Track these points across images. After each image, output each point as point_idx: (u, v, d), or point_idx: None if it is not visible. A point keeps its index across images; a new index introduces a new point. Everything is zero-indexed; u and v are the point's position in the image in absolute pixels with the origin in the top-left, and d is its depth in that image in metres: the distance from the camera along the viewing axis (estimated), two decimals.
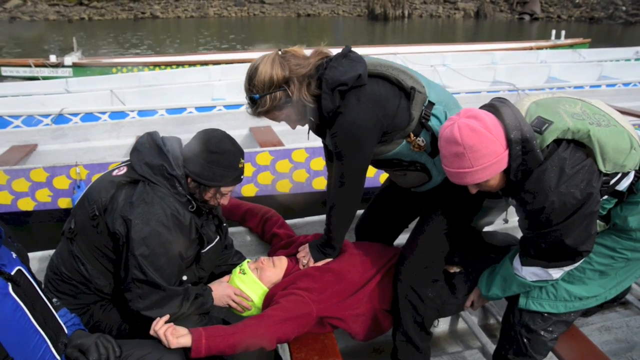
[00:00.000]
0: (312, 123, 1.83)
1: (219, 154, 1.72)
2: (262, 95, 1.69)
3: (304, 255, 1.98)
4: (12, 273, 1.27)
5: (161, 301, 1.65)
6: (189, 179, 1.73)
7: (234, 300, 1.90)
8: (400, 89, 1.73)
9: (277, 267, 1.97)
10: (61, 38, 17.60)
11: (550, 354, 1.89)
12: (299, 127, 1.89)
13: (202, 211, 1.80)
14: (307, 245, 2.01)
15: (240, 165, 1.77)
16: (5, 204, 3.42)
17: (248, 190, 3.70)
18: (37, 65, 7.74)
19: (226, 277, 1.98)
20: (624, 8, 27.52)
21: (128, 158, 1.79)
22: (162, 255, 1.64)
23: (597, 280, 1.77)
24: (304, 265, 1.96)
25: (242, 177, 1.80)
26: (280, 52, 1.72)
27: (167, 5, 31.04)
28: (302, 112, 1.76)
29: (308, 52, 1.77)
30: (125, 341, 1.57)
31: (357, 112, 1.66)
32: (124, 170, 1.75)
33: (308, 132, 1.99)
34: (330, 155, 2.06)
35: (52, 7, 29.08)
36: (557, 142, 1.54)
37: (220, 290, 1.90)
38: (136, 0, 31.03)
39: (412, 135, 1.74)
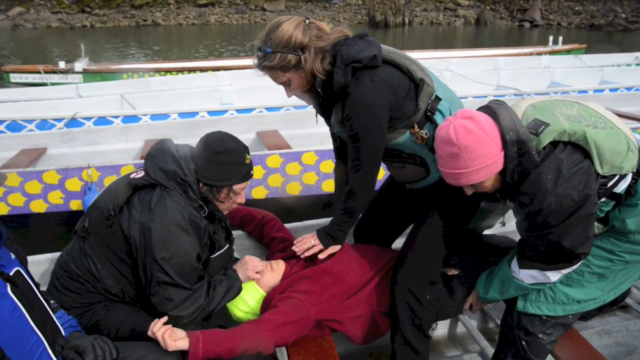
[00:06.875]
0: (316, 102, 1.82)
1: (224, 154, 1.75)
2: (274, 51, 1.68)
3: (313, 242, 1.96)
4: (11, 274, 1.28)
5: (189, 298, 1.70)
6: (200, 184, 1.77)
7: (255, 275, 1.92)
8: (410, 79, 1.74)
9: (275, 271, 1.98)
10: (58, 48, 17.58)
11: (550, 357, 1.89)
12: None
13: (215, 217, 1.83)
14: (314, 233, 1.98)
15: (247, 161, 1.79)
16: (18, 206, 3.43)
17: (258, 192, 3.72)
18: (46, 72, 7.74)
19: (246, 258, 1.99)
20: (623, 15, 27.59)
21: (137, 161, 1.81)
22: (183, 256, 1.68)
23: (596, 283, 1.77)
24: (309, 248, 1.95)
25: (251, 172, 1.82)
26: (307, 21, 1.72)
27: (169, 13, 31.18)
28: (309, 82, 1.75)
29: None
30: (122, 343, 1.58)
31: (371, 91, 1.67)
32: (141, 173, 1.80)
33: (316, 116, 1.98)
34: (340, 148, 2.03)
35: (54, 14, 29.25)
36: (554, 144, 1.54)
37: (239, 267, 1.93)
38: (138, 8, 31.19)
39: (416, 126, 1.75)
